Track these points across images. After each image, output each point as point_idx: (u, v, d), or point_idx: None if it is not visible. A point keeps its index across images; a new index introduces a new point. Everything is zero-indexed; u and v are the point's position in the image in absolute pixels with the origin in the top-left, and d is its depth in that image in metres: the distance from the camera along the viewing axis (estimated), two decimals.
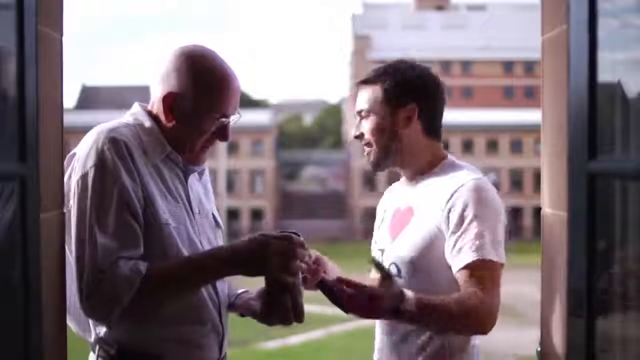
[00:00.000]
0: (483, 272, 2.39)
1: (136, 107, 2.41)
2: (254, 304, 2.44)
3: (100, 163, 2.21)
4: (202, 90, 2.31)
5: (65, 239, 2.24)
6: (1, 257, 1.87)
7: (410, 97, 2.57)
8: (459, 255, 2.41)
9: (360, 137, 2.63)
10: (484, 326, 2.37)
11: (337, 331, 24.49)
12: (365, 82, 2.63)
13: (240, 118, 2.42)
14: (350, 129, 68.38)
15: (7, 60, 1.83)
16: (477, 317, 2.35)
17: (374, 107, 2.59)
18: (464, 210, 2.42)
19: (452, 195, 2.45)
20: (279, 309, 2.30)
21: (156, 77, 2.36)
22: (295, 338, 26.98)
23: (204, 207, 2.44)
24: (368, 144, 2.61)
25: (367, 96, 2.60)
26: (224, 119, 2.35)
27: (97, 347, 2.31)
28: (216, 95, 2.32)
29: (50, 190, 2.08)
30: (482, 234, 2.40)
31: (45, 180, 1.98)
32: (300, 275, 2.30)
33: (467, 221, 2.41)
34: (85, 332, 2.36)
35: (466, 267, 2.39)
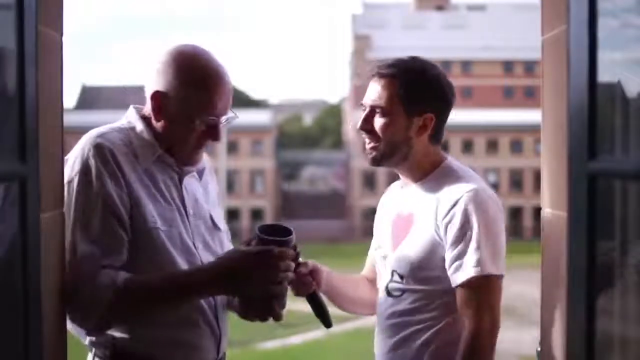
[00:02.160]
0: (483, 287, 2.41)
1: (130, 110, 2.41)
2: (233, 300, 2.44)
3: (84, 170, 2.23)
4: (190, 88, 2.30)
5: (65, 239, 2.24)
6: (1, 257, 1.87)
7: (429, 107, 2.53)
8: (458, 271, 2.42)
9: (368, 130, 2.56)
10: (491, 347, 2.43)
11: (337, 331, 24.48)
12: (385, 76, 2.54)
13: (235, 118, 2.40)
14: (350, 128, 68.27)
15: (7, 60, 1.83)
16: (484, 348, 2.41)
17: (391, 107, 2.52)
18: (462, 224, 2.42)
19: (451, 207, 2.44)
20: (256, 311, 2.33)
21: (148, 76, 2.36)
22: (295, 338, 26.96)
23: (200, 209, 2.42)
24: (375, 139, 2.55)
25: (385, 93, 2.52)
26: (213, 119, 2.33)
27: (93, 348, 2.32)
28: (204, 93, 2.31)
29: (50, 190, 2.08)
30: (481, 248, 2.40)
31: (45, 180, 1.98)
32: (287, 280, 2.29)
33: (466, 236, 2.41)
34: (80, 334, 2.35)
35: (466, 283, 2.41)
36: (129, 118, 2.39)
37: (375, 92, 2.55)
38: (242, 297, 2.33)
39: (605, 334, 1.85)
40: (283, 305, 2.32)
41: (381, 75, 2.55)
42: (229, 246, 2.49)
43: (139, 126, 2.35)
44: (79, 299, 2.18)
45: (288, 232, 2.33)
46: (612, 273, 1.88)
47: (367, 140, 2.57)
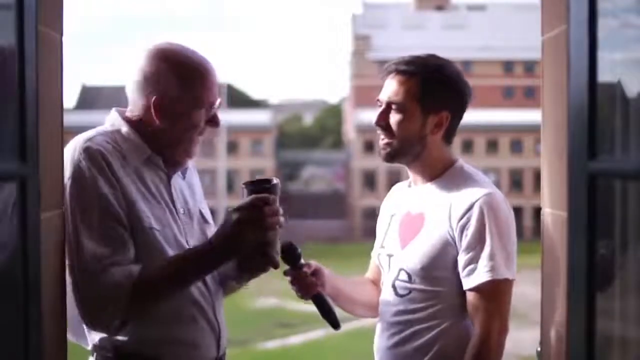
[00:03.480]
0: (495, 292, 2.43)
1: (113, 114, 2.42)
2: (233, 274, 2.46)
3: (77, 175, 2.24)
4: (188, 87, 2.33)
5: (65, 239, 2.24)
6: (1, 257, 1.87)
7: (445, 105, 2.54)
8: (472, 275, 2.43)
9: (383, 126, 2.56)
10: (499, 352, 2.45)
11: (338, 331, 24.48)
12: (402, 72, 2.54)
13: (221, 100, 2.45)
14: (350, 128, 68.22)
15: (7, 60, 1.83)
16: (492, 353, 2.43)
17: (407, 103, 2.52)
18: (478, 228, 2.43)
19: (467, 210, 2.45)
20: (254, 264, 2.39)
21: (134, 84, 2.36)
22: (295, 338, 26.98)
23: (189, 206, 2.45)
24: (390, 135, 2.55)
25: (402, 89, 2.53)
26: (212, 108, 2.38)
27: (95, 353, 2.33)
28: (201, 88, 2.35)
29: (50, 190, 2.08)
30: (495, 253, 2.42)
31: (45, 180, 1.98)
32: (277, 225, 2.29)
33: (480, 240, 2.43)
34: (80, 339, 2.37)
35: (479, 287, 2.43)
36: (113, 121, 2.40)
37: (392, 88, 2.55)
38: (242, 255, 2.35)
39: (605, 334, 1.85)
40: (278, 252, 2.36)
41: (398, 72, 2.55)
42: None
43: (124, 128, 2.36)
44: (96, 300, 2.19)
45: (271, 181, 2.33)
46: (612, 273, 1.88)
47: (382, 136, 2.58)
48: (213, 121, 2.40)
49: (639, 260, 1.80)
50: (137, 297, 2.20)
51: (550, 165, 2.30)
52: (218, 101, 2.41)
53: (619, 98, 1.83)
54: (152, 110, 2.33)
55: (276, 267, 2.35)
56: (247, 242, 2.25)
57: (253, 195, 2.26)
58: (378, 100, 2.60)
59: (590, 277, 1.78)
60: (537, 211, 2.72)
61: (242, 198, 2.30)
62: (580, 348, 1.80)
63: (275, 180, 2.31)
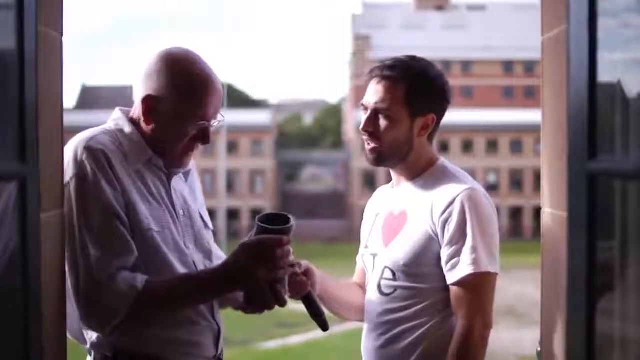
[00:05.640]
0: (478, 285, 2.44)
1: (117, 113, 2.40)
2: (238, 295, 2.44)
3: (79, 174, 2.21)
4: (182, 94, 2.29)
5: (65, 239, 2.24)
6: (1, 257, 1.87)
7: (431, 108, 2.55)
8: (455, 269, 2.44)
9: (371, 133, 2.55)
10: (483, 346, 2.45)
11: (337, 331, 24.50)
12: (387, 78, 2.52)
13: (223, 120, 2.39)
14: (350, 128, 68.28)
15: (7, 60, 1.83)
16: (476, 347, 2.43)
17: (395, 110, 2.51)
18: (460, 222, 2.44)
19: (449, 205, 2.46)
20: (262, 300, 2.32)
21: (138, 79, 2.35)
22: (295, 338, 26.98)
23: (189, 209, 2.43)
24: (377, 141, 2.54)
25: (389, 95, 2.52)
26: (204, 123, 2.33)
27: (93, 351, 2.32)
28: (196, 99, 2.30)
29: (50, 190, 2.08)
30: (477, 246, 2.43)
31: (45, 180, 1.98)
32: (287, 265, 2.29)
33: (463, 234, 2.43)
34: (79, 338, 2.36)
35: (462, 280, 2.43)
36: (117, 120, 2.37)
37: (378, 94, 2.54)
38: (248, 289, 2.32)
39: (605, 334, 1.85)
40: (286, 290, 2.33)
41: (383, 77, 2.54)
42: (215, 245, 2.52)
43: (128, 128, 2.34)
44: (98, 305, 2.18)
45: (287, 220, 2.31)
46: (612, 273, 1.88)
47: (369, 141, 2.57)
48: (203, 137, 2.35)
49: (639, 260, 1.80)
50: (138, 308, 2.19)
51: (550, 165, 2.30)
52: (215, 121, 2.35)
53: (619, 98, 1.83)
54: (143, 107, 2.31)
55: (283, 305, 2.32)
56: (257, 279, 2.24)
57: (265, 236, 2.24)
58: (362, 104, 2.58)
59: (590, 277, 1.78)
60: (537, 211, 2.73)
61: (253, 232, 2.27)
62: (580, 348, 1.80)
63: (291, 222, 2.29)
